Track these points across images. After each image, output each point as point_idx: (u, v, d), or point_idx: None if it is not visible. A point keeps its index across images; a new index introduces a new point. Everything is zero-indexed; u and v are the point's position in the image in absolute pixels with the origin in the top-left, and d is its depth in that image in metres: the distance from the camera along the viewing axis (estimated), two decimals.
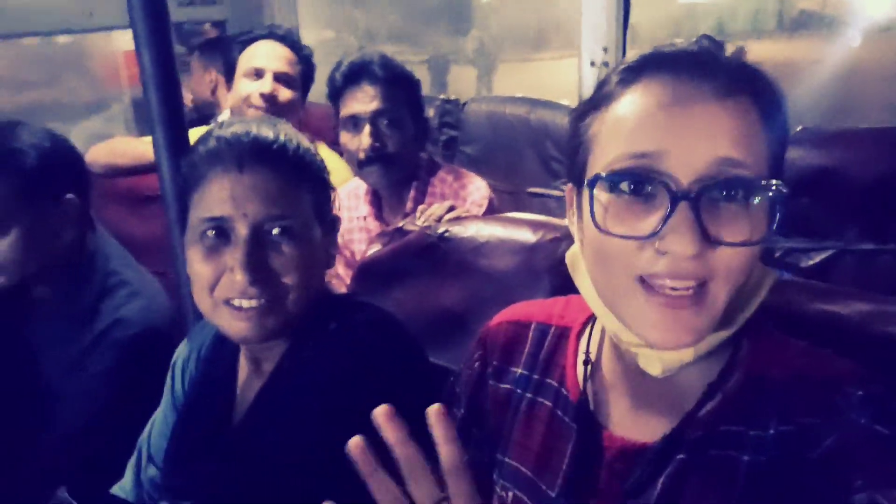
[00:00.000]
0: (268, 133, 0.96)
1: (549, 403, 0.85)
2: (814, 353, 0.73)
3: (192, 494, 0.97)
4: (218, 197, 0.92)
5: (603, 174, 0.68)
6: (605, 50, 2.22)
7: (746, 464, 0.68)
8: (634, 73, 0.69)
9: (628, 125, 0.67)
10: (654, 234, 0.65)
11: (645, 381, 0.76)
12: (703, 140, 0.64)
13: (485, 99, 2.54)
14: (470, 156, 2.49)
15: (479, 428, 0.92)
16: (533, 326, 0.92)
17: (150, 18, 1.18)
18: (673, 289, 0.66)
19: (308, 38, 2.93)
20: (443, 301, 1.26)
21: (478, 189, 1.74)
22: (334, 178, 1.92)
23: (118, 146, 2.14)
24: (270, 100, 1.93)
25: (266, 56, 1.96)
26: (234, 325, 0.94)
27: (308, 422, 0.92)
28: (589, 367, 0.83)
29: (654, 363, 0.73)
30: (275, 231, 0.93)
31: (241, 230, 0.91)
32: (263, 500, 0.91)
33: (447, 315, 1.25)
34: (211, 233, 0.93)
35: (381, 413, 0.59)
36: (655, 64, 0.69)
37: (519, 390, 0.89)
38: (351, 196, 1.87)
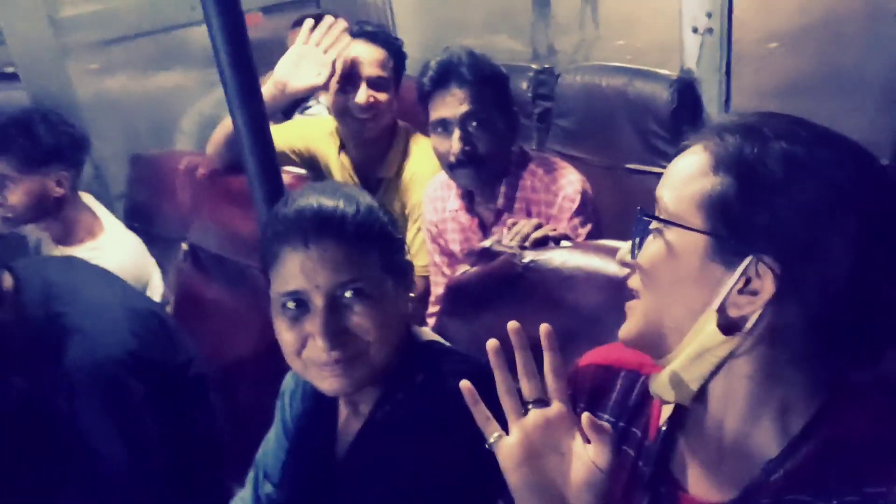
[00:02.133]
0: (328, 203, 1.01)
1: (632, 453, 0.88)
2: (893, 414, 0.72)
3: None
4: (291, 272, 0.99)
5: (648, 214, 0.79)
6: (709, 15, 2.09)
7: None
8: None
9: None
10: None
11: (720, 439, 0.78)
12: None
13: (581, 69, 2.46)
14: (565, 129, 2.44)
15: None
16: (623, 374, 0.93)
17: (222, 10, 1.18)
18: None
19: None
20: (530, 330, 1.29)
21: (570, 183, 1.72)
22: (430, 169, 1.96)
23: (219, 130, 2.19)
24: (367, 109, 1.96)
25: (359, 62, 1.96)
26: (324, 384, 1.03)
27: (403, 469, 1.00)
28: (671, 420, 0.85)
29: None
30: (347, 294, 0.99)
31: (317, 300, 0.98)
32: None
33: (535, 345, 1.27)
34: (291, 304, 1.00)
35: (511, 327, 0.86)
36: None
37: None
38: (443, 187, 1.90)
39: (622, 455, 0.88)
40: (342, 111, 1.99)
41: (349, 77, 1.95)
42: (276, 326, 1.04)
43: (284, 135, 2.11)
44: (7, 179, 2.01)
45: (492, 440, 0.81)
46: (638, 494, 0.84)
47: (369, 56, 1.96)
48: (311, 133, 2.16)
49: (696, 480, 0.81)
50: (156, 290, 2.27)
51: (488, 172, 1.71)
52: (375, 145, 2.07)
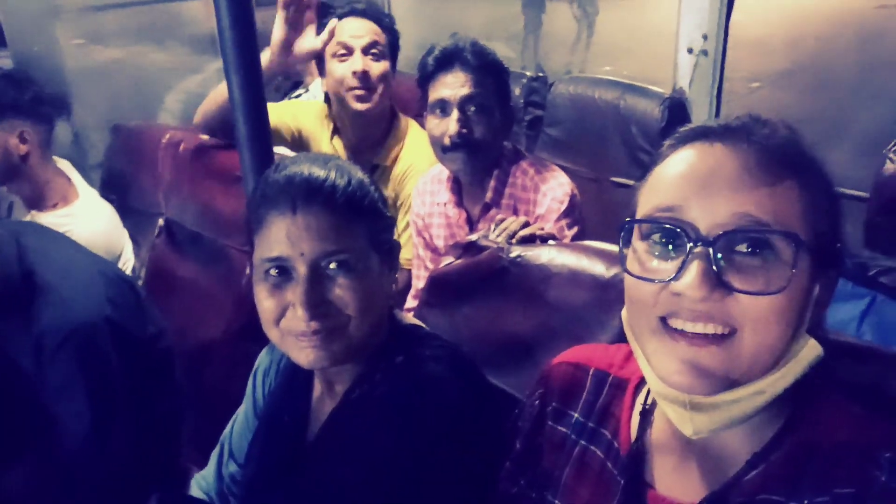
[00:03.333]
0: (318, 174, 1.00)
1: (600, 454, 0.88)
2: (864, 419, 0.74)
3: None
4: (276, 238, 0.98)
5: (633, 222, 0.77)
6: (705, 38, 2.11)
7: None
8: (679, 142, 0.78)
9: (662, 183, 0.76)
10: (671, 279, 0.71)
11: (691, 442, 0.78)
12: (723, 196, 0.70)
13: (574, 80, 2.47)
14: (554, 138, 2.45)
15: (534, 465, 0.96)
16: (591, 372, 0.94)
17: None
18: (694, 333, 0.71)
19: None
20: (511, 325, 1.28)
21: (560, 185, 1.72)
22: (426, 161, 1.95)
23: (211, 95, 2.17)
24: (364, 77, 1.94)
25: (351, 33, 1.96)
26: (300, 355, 1.00)
27: (374, 450, 0.98)
28: (641, 422, 0.86)
29: (686, 423, 0.75)
30: (331, 266, 0.98)
31: (300, 268, 0.97)
32: None
33: (514, 340, 1.27)
34: (273, 272, 0.99)
35: None
36: (697, 135, 0.77)
37: (574, 436, 0.92)
38: (434, 181, 1.90)
39: (590, 455, 0.89)
40: (338, 84, 1.97)
41: (344, 47, 1.94)
42: (256, 293, 1.01)
43: (277, 112, 2.07)
44: None
45: None
46: (607, 497, 0.84)
47: (362, 28, 1.96)
48: (304, 114, 2.14)
49: (667, 481, 0.82)
50: (127, 262, 2.23)
51: (480, 160, 1.71)
52: (372, 128, 2.05)
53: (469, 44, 1.70)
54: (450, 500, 0.97)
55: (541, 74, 2.52)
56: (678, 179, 0.74)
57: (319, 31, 2.05)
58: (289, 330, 0.99)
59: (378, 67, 1.97)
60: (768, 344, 0.70)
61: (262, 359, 1.27)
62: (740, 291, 0.69)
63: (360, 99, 1.96)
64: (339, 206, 0.99)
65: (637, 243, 0.76)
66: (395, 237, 1.92)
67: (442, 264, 1.43)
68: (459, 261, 1.39)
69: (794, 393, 0.75)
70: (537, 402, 0.97)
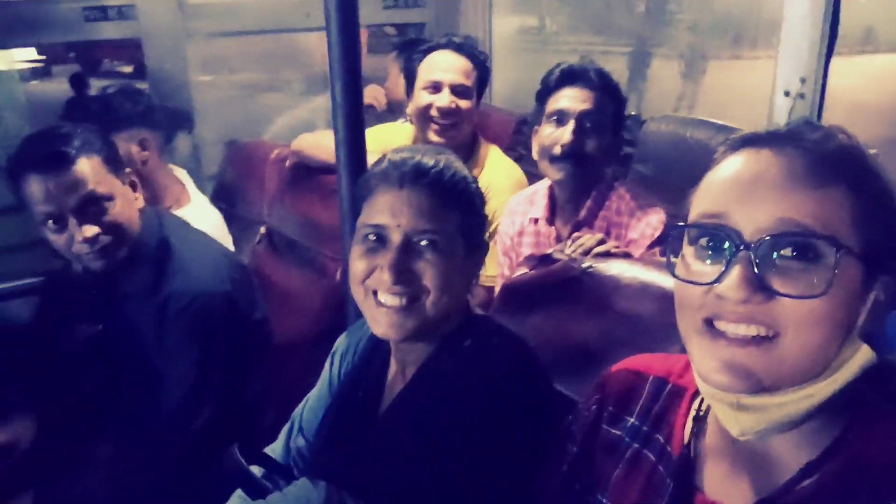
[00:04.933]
0: (429, 160, 1.11)
1: (653, 458, 0.89)
2: None
3: (333, 476, 1.10)
4: (380, 208, 1.08)
5: (680, 227, 0.79)
6: (803, 81, 2.10)
7: None
8: (730, 148, 0.79)
9: (711, 189, 0.78)
10: (715, 281, 0.73)
11: (743, 448, 0.79)
12: (767, 201, 0.72)
13: (666, 118, 2.48)
14: (643, 174, 2.45)
15: (588, 469, 0.97)
16: (650, 379, 0.95)
17: (341, 22, 1.32)
18: (735, 335, 0.72)
19: (501, 25, 3.00)
20: (579, 334, 1.31)
21: (655, 213, 1.73)
22: (506, 180, 2.02)
23: (322, 140, 2.35)
24: (448, 113, 2.05)
25: (444, 69, 2.07)
26: (378, 318, 1.09)
27: (439, 429, 1.03)
28: (696, 426, 0.87)
29: (732, 423, 0.76)
30: (423, 242, 1.07)
31: (395, 237, 1.06)
32: (394, 492, 1.03)
33: (581, 348, 1.30)
34: (372, 237, 1.09)
35: None
36: (746, 141, 0.78)
37: (628, 438, 0.93)
38: (526, 201, 1.94)
39: (643, 459, 0.90)
40: (424, 116, 2.08)
41: (435, 84, 2.06)
42: (351, 253, 1.12)
43: (371, 137, 2.20)
44: None
45: None
46: (656, 498, 0.86)
47: (454, 64, 2.07)
48: (390, 138, 2.25)
49: (716, 486, 0.82)
50: None
51: (586, 175, 1.76)
52: (454, 154, 2.14)
53: (595, 66, 1.78)
54: (499, 482, 1.01)
55: (633, 113, 2.55)
56: (724, 185, 0.76)
57: (408, 65, 2.20)
58: (372, 288, 1.08)
59: (463, 105, 2.07)
60: (812, 347, 0.71)
61: (341, 342, 1.35)
62: (781, 294, 0.70)
63: (439, 133, 2.07)
64: (441, 190, 1.08)
65: (686, 248, 0.78)
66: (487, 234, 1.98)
67: (516, 274, 1.48)
68: (533, 271, 1.44)
69: (849, 403, 0.75)
70: (594, 406, 0.99)
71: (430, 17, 2.93)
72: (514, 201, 1.99)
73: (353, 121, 1.43)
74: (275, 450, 1.36)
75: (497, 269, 2.00)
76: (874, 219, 0.72)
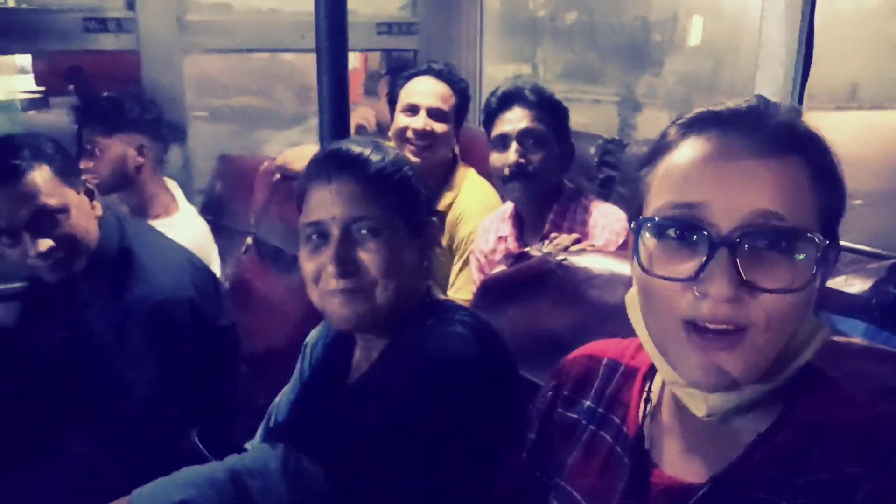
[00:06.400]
0: (353, 149, 1.12)
1: (609, 439, 0.90)
2: (869, 405, 0.74)
3: (291, 440, 1.11)
4: (314, 205, 1.09)
5: (649, 220, 0.74)
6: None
7: None
8: (688, 128, 0.75)
9: (676, 176, 0.73)
10: (693, 279, 0.70)
11: (698, 424, 0.79)
12: (743, 192, 0.69)
13: (648, 143, 2.54)
14: (625, 197, 2.50)
15: (546, 454, 0.97)
16: (605, 362, 0.96)
17: (331, 46, 1.38)
18: (715, 331, 0.70)
19: (491, 73, 3.09)
20: (552, 324, 1.33)
21: (619, 220, 1.78)
22: (478, 207, 2.07)
23: (306, 153, 2.42)
24: (423, 135, 2.11)
25: (421, 93, 2.13)
26: (334, 312, 1.10)
27: (396, 401, 1.04)
28: (650, 406, 0.88)
29: (699, 404, 0.76)
30: (362, 231, 1.07)
31: (334, 231, 1.07)
32: (360, 465, 1.04)
33: (554, 337, 1.32)
34: (314, 236, 1.09)
35: None
36: (707, 120, 0.74)
37: (584, 421, 0.94)
38: (498, 219, 1.99)
39: (599, 440, 0.91)
40: (401, 137, 2.14)
41: (412, 107, 2.13)
42: (300, 258, 1.13)
43: None
44: (95, 146, 2.24)
45: None
46: (615, 479, 0.86)
47: (431, 89, 2.14)
48: None
49: (673, 462, 0.82)
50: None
51: (538, 189, 1.81)
52: (428, 176, 2.18)
53: (529, 84, 1.84)
54: (456, 460, 1.02)
55: (616, 138, 2.61)
56: (693, 173, 0.72)
57: (392, 89, 2.27)
58: (324, 289, 1.09)
59: (438, 128, 2.12)
60: (783, 336, 0.71)
61: (312, 335, 1.37)
62: (765, 290, 0.68)
63: (415, 154, 2.12)
64: (370, 176, 1.09)
65: (648, 240, 0.74)
66: (451, 280, 2.00)
67: (494, 271, 1.51)
68: (510, 268, 1.47)
69: (797, 375, 0.75)
70: (550, 392, 0.99)
71: (421, 45, 2.98)
72: (487, 220, 2.04)
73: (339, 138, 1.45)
74: (253, 443, 1.36)
75: (470, 292, 2.02)
76: (825, 188, 0.72)
